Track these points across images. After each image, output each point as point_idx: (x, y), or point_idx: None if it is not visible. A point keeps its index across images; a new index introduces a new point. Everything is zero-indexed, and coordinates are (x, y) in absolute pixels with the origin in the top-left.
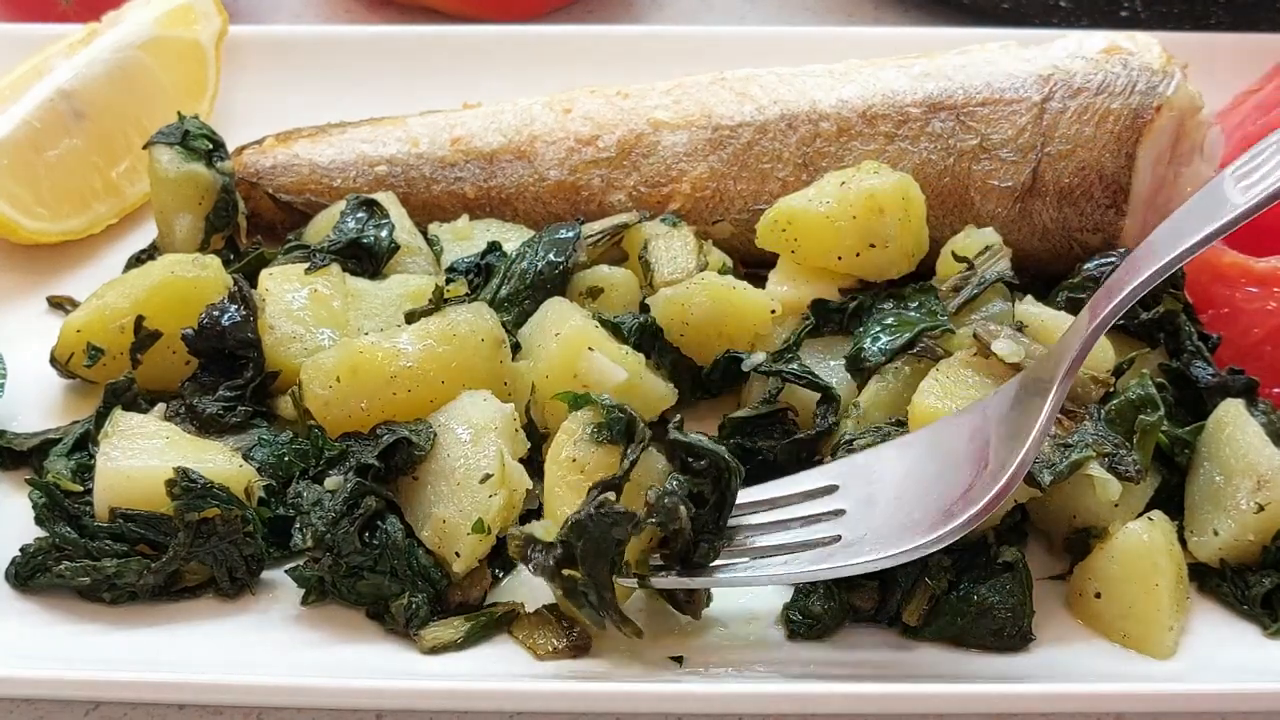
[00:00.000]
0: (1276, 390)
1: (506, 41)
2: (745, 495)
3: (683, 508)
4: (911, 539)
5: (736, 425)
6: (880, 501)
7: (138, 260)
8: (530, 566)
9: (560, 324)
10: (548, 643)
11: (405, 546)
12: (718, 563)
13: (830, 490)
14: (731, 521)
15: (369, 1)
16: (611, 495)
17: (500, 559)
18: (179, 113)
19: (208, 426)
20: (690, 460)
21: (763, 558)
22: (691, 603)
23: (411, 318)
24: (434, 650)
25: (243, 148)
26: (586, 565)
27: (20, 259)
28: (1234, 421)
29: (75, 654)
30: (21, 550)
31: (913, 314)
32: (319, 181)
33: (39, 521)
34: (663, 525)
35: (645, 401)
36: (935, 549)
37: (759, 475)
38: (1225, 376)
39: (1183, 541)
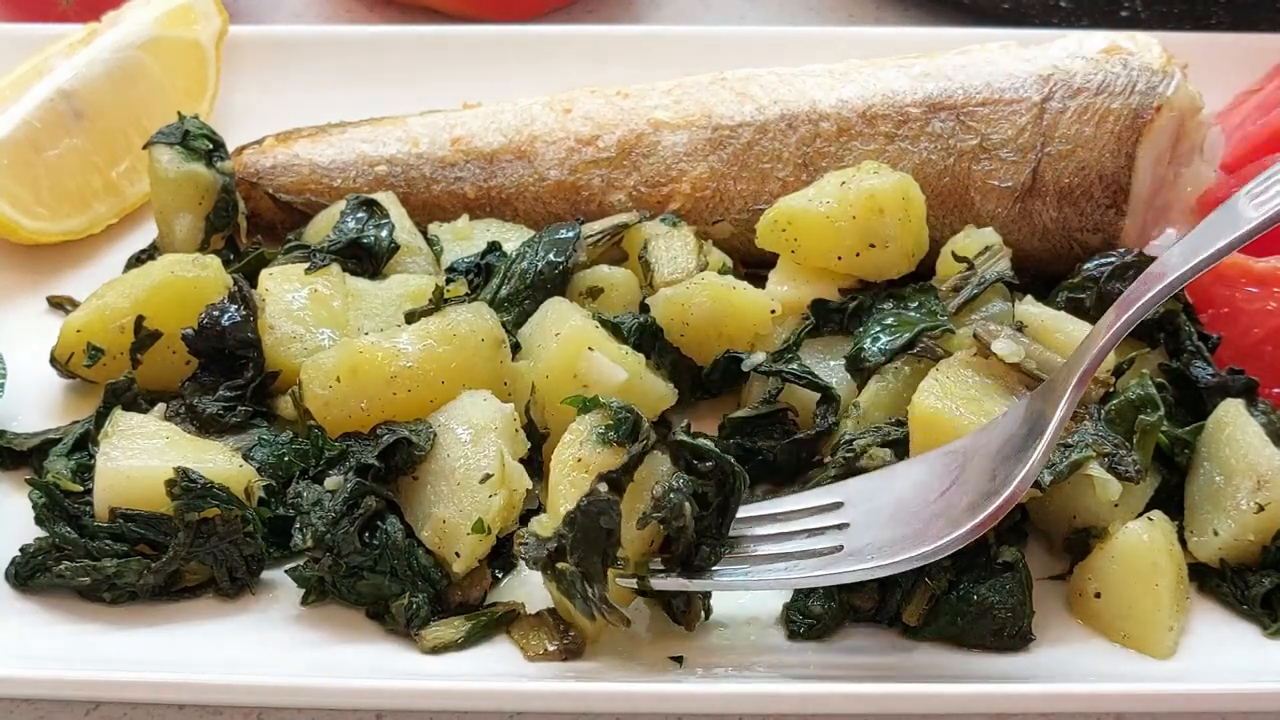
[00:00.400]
0: (1276, 390)
1: (506, 41)
2: (750, 510)
3: (688, 504)
4: (913, 548)
5: (736, 425)
6: (884, 514)
7: (138, 260)
8: (526, 559)
9: (560, 324)
10: (540, 644)
11: (405, 546)
12: (718, 568)
13: (836, 506)
14: (734, 531)
15: (369, 1)
16: (603, 486)
17: (500, 559)
18: (179, 113)
19: (208, 426)
20: (695, 463)
21: (764, 564)
22: (688, 612)
23: (411, 318)
24: (435, 650)
25: (243, 148)
26: (577, 556)
27: (20, 259)
28: (1234, 421)
29: (75, 654)
30: (21, 550)
31: (913, 314)
32: (319, 181)
33: (39, 521)
34: (666, 522)
35: (645, 401)
36: (935, 559)
37: (759, 475)
38: (1225, 376)
39: (1183, 541)
